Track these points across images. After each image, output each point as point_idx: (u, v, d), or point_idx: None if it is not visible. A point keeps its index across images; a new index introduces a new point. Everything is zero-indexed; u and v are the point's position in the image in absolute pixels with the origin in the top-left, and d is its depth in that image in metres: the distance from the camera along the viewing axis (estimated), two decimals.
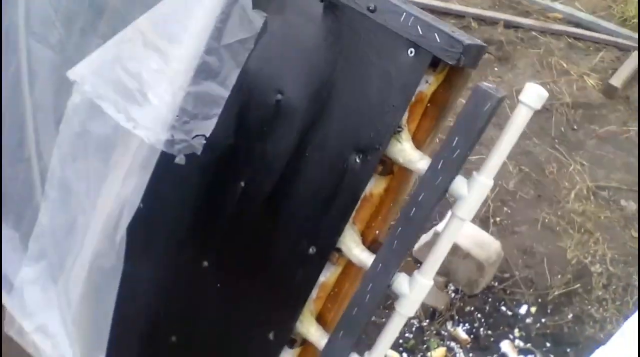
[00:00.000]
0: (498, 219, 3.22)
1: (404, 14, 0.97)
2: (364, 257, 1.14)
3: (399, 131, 1.04)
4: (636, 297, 2.90)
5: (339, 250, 1.16)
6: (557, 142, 3.88)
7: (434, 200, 1.01)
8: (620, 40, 4.78)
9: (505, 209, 3.30)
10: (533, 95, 0.96)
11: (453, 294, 2.71)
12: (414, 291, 1.11)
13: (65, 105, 1.29)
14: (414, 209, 1.02)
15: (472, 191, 1.03)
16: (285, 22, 1.15)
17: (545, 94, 0.96)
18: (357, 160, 1.08)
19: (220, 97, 1.21)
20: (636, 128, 4.10)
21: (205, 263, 1.35)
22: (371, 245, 1.20)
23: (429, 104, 1.07)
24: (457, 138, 0.96)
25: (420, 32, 0.96)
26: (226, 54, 1.19)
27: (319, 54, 1.11)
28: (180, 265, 1.41)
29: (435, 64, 1.00)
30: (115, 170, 1.35)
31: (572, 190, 3.53)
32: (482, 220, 3.17)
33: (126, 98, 1.22)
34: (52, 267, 1.44)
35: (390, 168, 1.11)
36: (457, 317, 2.66)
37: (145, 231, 1.40)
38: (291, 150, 1.17)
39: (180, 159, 1.26)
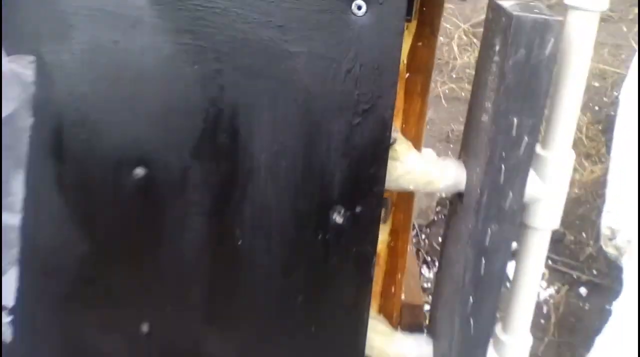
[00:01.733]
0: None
1: None
2: (406, 350, 0.75)
3: (392, 144, 0.63)
4: None
5: None
6: None
7: (510, 231, 0.63)
8: None
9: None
10: None
11: (413, 232, 2.41)
12: None
13: None
14: (483, 260, 0.63)
15: (549, 181, 0.65)
16: (87, 51, 0.67)
17: None
18: (340, 219, 0.66)
19: (9, 229, 0.75)
20: None
21: None
22: (399, 317, 0.81)
23: (408, 74, 0.66)
24: (516, 119, 0.57)
25: None
26: None
27: (179, 77, 0.66)
28: None
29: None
30: None
31: (452, 42, 3.30)
32: None
33: None
34: None
35: (392, 204, 0.71)
36: (429, 260, 2.37)
37: None
38: (204, 245, 0.73)
39: None
